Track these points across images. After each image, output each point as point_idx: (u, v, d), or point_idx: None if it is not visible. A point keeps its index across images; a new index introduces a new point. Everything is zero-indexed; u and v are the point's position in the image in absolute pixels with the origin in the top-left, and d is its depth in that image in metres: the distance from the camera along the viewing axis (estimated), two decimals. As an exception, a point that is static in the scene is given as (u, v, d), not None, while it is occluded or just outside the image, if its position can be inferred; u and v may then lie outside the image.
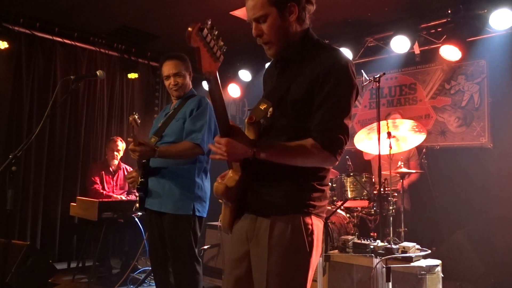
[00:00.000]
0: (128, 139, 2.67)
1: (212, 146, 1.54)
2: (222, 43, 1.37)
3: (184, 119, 2.77)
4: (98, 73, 2.63)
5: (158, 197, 2.73)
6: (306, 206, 1.58)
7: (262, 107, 1.59)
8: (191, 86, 2.99)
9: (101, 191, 4.88)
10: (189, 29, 1.27)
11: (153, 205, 2.76)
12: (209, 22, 1.32)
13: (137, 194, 2.84)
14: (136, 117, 2.68)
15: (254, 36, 1.63)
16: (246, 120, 1.61)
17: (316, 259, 1.61)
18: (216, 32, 1.35)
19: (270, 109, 1.58)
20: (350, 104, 1.55)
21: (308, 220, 1.57)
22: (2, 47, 4.67)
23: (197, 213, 2.72)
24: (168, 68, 2.86)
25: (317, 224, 1.60)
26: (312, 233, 1.58)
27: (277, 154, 1.52)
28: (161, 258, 2.82)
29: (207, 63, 1.34)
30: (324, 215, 1.67)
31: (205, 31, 1.30)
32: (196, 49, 1.31)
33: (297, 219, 1.56)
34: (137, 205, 2.87)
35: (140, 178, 2.77)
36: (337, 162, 1.58)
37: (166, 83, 2.91)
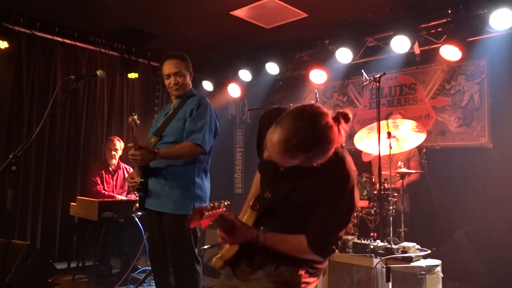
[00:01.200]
0: (128, 145, 2.67)
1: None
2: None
3: (185, 119, 2.76)
4: (98, 73, 2.61)
5: (158, 197, 2.72)
6: (308, 266, 1.68)
7: (267, 195, 1.67)
8: (191, 86, 2.98)
9: (103, 191, 4.88)
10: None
11: (153, 205, 2.75)
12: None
13: (137, 194, 2.84)
14: (136, 117, 2.66)
15: None
16: (250, 206, 1.71)
17: None
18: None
19: (273, 198, 1.66)
20: (349, 220, 1.66)
21: (306, 276, 1.67)
22: (2, 47, 4.67)
23: None
24: (168, 67, 2.86)
25: (312, 283, 1.72)
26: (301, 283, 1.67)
27: (272, 245, 1.62)
28: (161, 258, 2.82)
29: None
30: (319, 276, 1.78)
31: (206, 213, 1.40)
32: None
33: (297, 273, 1.65)
34: (137, 205, 2.86)
35: (140, 179, 2.76)
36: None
37: (166, 82, 2.90)
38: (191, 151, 2.69)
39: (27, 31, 5.00)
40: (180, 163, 2.73)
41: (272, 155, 1.48)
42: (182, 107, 2.83)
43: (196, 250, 2.75)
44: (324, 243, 1.62)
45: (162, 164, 2.73)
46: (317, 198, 1.58)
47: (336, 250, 1.69)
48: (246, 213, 1.72)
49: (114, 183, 5.04)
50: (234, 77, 6.31)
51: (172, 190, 2.70)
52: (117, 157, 5.07)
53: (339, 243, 1.66)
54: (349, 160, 1.63)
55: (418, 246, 3.28)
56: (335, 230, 1.62)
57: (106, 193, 4.88)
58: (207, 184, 2.86)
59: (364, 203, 4.10)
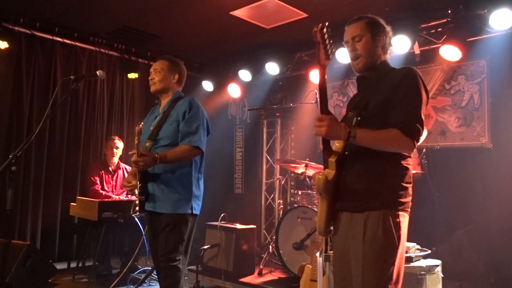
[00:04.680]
0: (129, 153, 2.75)
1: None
2: (332, 44, 1.80)
3: (178, 122, 2.82)
4: (98, 73, 2.63)
5: (157, 199, 2.78)
6: (394, 202, 1.85)
7: (350, 115, 1.95)
8: (177, 89, 3.03)
9: (101, 191, 4.87)
10: (315, 28, 1.74)
11: (153, 207, 2.80)
12: (327, 24, 1.75)
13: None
14: (141, 125, 2.74)
15: (350, 51, 2.06)
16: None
17: (403, 250, 1.87)
18: (330, 34, 1.77)
19: (358, 118, 1.90)
20: (422, 101, 1.86)
21: (396, 216, 1.84)
22: (2, 47, 4.67)
23: (194, 211, 2.81)
24: (153, 65, 3.00)
25: (403, 220, 1.87)
26: (400, 228, 1.84)
27: (367, 135, 1.79)
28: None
29: (322, 58, 1.78)
30: (409, 210, 1.92)
31: (325, 30, 1.74)
32: (317, 43, 1.76)
33: (387, 215, 1.82)
34: (137, 208, 2.89)
35: (139, 183, 2.80)
36: (414, 149, 1.86)
37: None
38: (190, 153, 2.76)
39: (27, 31, 5.00)
40: (178, 165, 2.79)
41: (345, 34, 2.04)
42: (172, 109, 2.89)
43: (183, 246, 2.75)
44: (409, 121, 1.79)
45: (160, 167, 2.77)
46: (389, 93, 1.87)
47: (422, 133, 1.83)
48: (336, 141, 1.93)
49: (114, 183, 5.04)
50: (234, 77, 6.30)
51: (171, 191, 2.76)
52: (118, 155, 5.08)
53: (423, 124, 1.83)
54: None
55: (418, 246, 3.27)
56: (413, 108, 1.82)
57: (104, 193, 4.87)
58: (201, 183, 2.94)
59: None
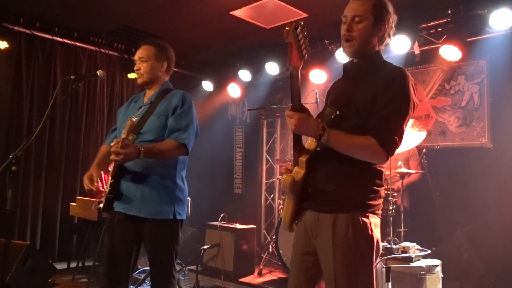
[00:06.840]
0: (111, 144, 2.41)
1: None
2: (308, 43, 1.67)
3: (167, 116, 2.52)
4: (98, 73, 2.56)
5: (135, 201, 2.45)
6: (363, 205, 1.77)
7: (328, 112, 1.84)
8: (165, 79, 2.73)
9: (102, 189, 4.88)
10: (287, 28, 1.60)
11: (128, 209, 2.46)
12: (302, 23, 1.62)
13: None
14: (135, 119, 2.46)
15: (345, 30, 1.89)
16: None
17: (377, 253, 1.79)
18: (306, 33, 1.64)
19: (336, 113, 1.81)
20: (407, 112, 1.75)
21: (366, 217, 1.76)
22: (2, 47, 4.67)
23: (178, 216, 2.50)
24: (137, 52, 2.69)
25: (374, 222, 1.79)
26: (371, 230, 1.76)
27: (340, 139, 1.71)
28: (121, 264, 2.50)
29: (295, 59, 1.66)
30: (380, 212, 1.85)
31: (299, 29, 1.61)
32: (289, 44, 1.63)
33: (356, 217, 1.75)
34: (101, 205, 2.53)
35: (111, 179, 2.45)
36: (387, 161, 1.78)
37: None
38: (175, 151, 2.45)
39: (27, 31, 5.00)
40: (161, 163, 2.48)
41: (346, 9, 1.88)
42: (161, 101, 2.58)
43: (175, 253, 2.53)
44: (387, 131, 1.71)
45: (140, 164, 2.45)
46: (375, 93, 1.75)
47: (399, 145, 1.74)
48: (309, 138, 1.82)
49: (114, 183, 5.03)
50: (234, 77, 6.31)
51: (152, 194, 2.44)
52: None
53: (402, 137, 1.73)
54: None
55: (418, 246, 3.28)
56: (394, 118, 1.72)
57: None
58: (185, 185, 2.62)
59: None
